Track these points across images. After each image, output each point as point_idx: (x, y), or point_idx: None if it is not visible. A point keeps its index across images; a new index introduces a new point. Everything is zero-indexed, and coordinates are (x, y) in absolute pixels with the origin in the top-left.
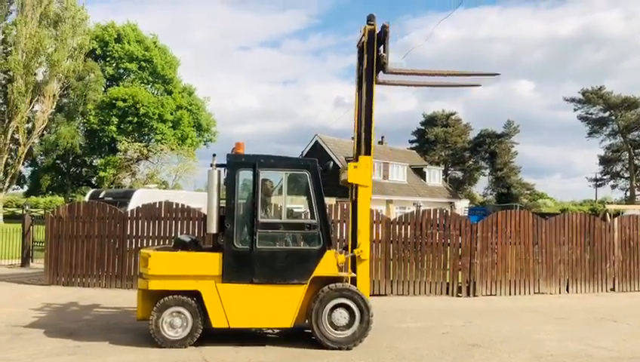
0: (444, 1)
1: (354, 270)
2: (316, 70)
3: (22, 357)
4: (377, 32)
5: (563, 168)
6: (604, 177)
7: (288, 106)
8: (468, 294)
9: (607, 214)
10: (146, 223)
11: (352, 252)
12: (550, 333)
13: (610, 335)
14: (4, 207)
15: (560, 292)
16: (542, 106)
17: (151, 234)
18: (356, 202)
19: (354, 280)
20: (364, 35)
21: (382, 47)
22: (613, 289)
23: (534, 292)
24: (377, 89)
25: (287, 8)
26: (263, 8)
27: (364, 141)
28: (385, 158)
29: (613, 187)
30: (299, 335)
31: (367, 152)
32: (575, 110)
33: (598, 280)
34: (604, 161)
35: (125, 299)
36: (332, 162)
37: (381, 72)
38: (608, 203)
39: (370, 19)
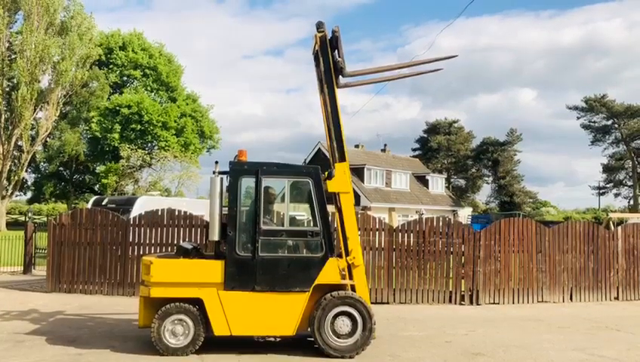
0: (446, 11)
1: (350, 277)
2: None
3: None
4: (329, 37)
5: (566, 176)
6: (608, 185)
7: (291, 114)
8: (471, 302)
9: (611, 222)
10: (148, 230)
11: (346, 259)
12: (553, 342)
13: (614, 345)
14: (7, 213)
15: (563, 301)
16: (544, 115)
17: (153, 242)
18: (341, 210)
19: (354, 288)
20: (316, 42)
21: (336, 51)
22: (617, 298)
23: (538, 301)
24: (379, 97)
25: (290, 17)
26: (266, 17)
27: (336, 148)
28: (388, 166)
29: (616, 195)
30: (301, 343)
31: (342, 159)
32: (578, 118)
33: (602, 288)
34: (607, 169)
35: (127, 306)
36: (334, 170)
37: (340, 76)
38: (611, 211)
39: (320, 26)
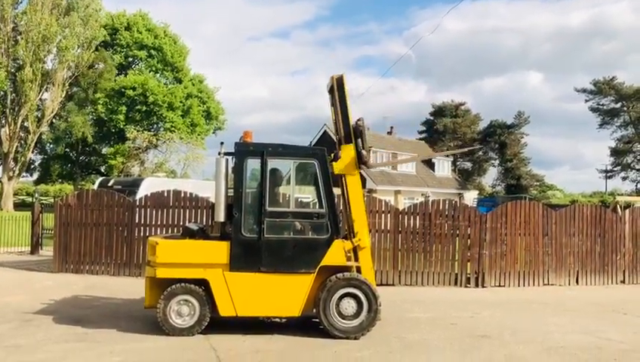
0: None
1: (356, 259)
2: (325, 61)
3: (31, 344)
4: (352, 126)
5: (572, 160)
6: (615, 169)
7: (297, 97)
8: (476, 285)
9: (618, 206)
10: (154, 211)
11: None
12: (559, 325)
13: (620, 328)
14: (14, 194)
15: (569, 284)
16: (551, 98)
17: (159, 223)
18: (347, 191)
19: (360, 270)
20: (333, 83)
21: (360, 141)
22: (623, 282)
23: (544, 284)
24: (385, 80)
25: None
26: None
27: (343, 130)
28: (393, 149)
29: (623, 179)
30: (306, 324)
31: (348, 140)
32: (586, 101)
33: (609, 272)
34: (615, 152)
35: (133, 286)
36: (340, 152)
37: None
38: (619, 194)
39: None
